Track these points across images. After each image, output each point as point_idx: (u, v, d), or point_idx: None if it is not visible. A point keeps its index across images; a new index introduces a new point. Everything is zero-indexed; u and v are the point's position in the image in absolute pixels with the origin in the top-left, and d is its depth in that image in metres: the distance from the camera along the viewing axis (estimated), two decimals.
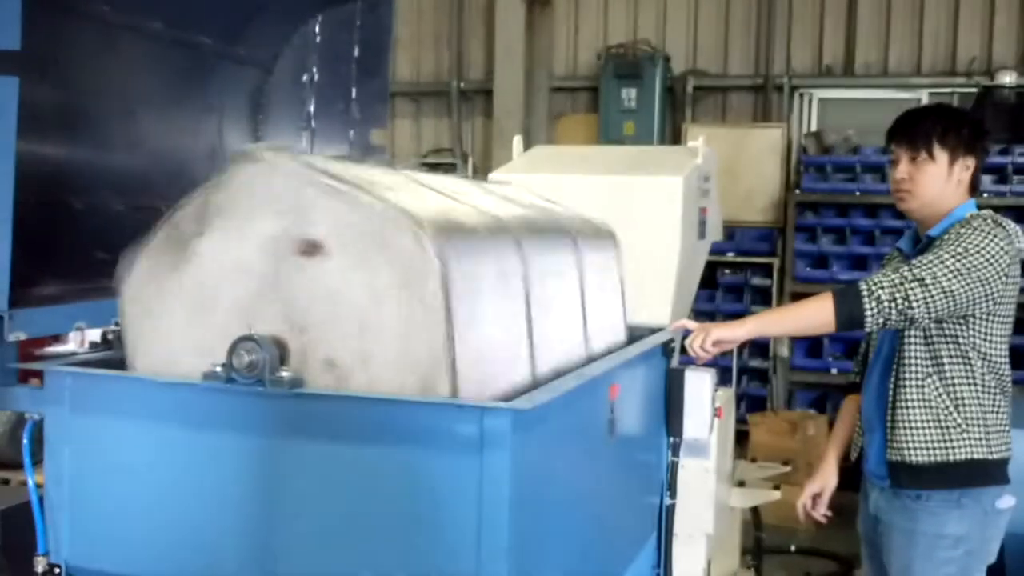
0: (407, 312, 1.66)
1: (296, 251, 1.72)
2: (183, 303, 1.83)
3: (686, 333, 2.85)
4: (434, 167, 8.93)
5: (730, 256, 7.57)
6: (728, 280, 7.65)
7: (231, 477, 1.73)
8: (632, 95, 7.79)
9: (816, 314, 2.67)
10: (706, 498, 3.67)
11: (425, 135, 9.35)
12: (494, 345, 1.85)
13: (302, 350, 1.74)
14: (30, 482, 1.88)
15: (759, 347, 7.49)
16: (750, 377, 7.61)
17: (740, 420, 7.03)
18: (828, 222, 7.35)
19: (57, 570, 1.88)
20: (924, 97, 7.78)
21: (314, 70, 3.36)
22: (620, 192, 3.75)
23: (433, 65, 9.24)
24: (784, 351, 7.44)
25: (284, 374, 1.69)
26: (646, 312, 3.24)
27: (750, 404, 7.45)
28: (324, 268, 1.72)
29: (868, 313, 2.57)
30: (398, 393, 1.65)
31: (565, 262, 2.36)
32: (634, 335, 2.75)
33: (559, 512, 1.86)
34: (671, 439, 2.83)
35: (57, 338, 2.36)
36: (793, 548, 5.68)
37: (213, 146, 3.22)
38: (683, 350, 2.86)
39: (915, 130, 2.75)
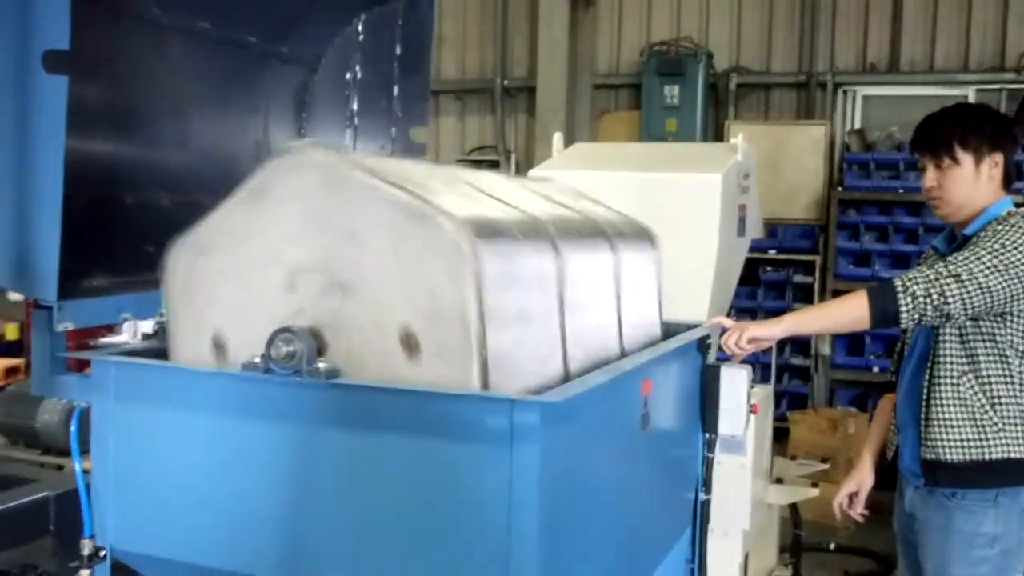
0: (442, 307, 1.70)
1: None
2: (224, 294, 1.89)
3: (723, 331, 2.86)
4: (477, 164, 8.99)
5: (772, 253, 7.53)
6: (770, 277, 7.61)
7: (268, 465, 1.78)
8: (675, 92, 7.77)
9: (851, 311, 2.66)
10: (742, 494, 3.68)
11: (469, 132, 9.41)
12: (527, 341, 1.88)
13: (343, 341, 1.78)
14: (77, 468, 1.95)
15: (800, 345, 7.44)
16: (791, 375, 7.56)
17: (781, 418, 7.01)
18: (871, 219, 7.28)
19: (103, 553, 1.95)
20: (971, 94, 7.67)
21: (357, 68, 3.41)
22: (659, 189, 3.76)
23: (478, 63, 9.29)
24: (825, 349, 7.39)
25: (321, 365, 1.74)
26: (684, 309, 3.24)
27: (791, 402, 7.41)
28: (364, 263, 1.77)
29: (903, 309, 2.56)
30: (434, 385, 1.69)
31: (601, 261, 2.38)
32: (670, 331, 2.77)
33: (591, 505, 1.89)
34: (706, 435, 2.85)
35: (111, 329, 2.44)
36: (832, 546, 5.65)
37: (259, 142, 3.29)
38: (721, 347, 2.88)
39: (935, 137, 2.73)
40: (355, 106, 3.41)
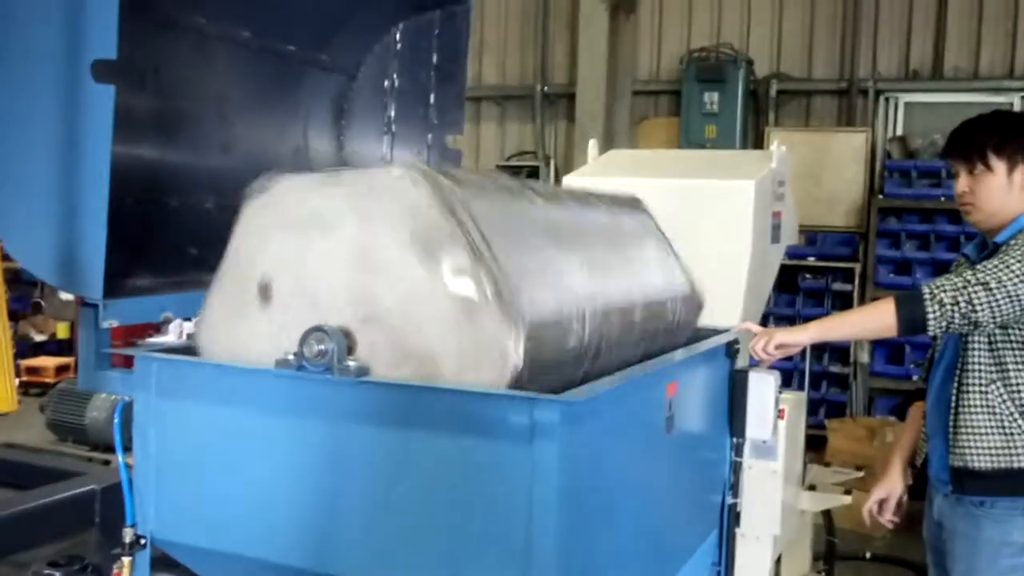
0: (464, 307, 1.76)
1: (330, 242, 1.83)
2: (253, 311, 1.96)
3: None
4: (516, 169, 9.06)
5: (811, 260, 7.51)
6: (809, 285, 7.58)
7: (299, 459, 1.85)
8: (714, 99, 7.78)
9: (878, 318, 2.68)
10: (772, 499, 3.69)
11: (509, 138, 9.48)
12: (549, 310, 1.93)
13: (371, 341, 1.85)
14: (120, 458, 2.03)
15: (839, 353, 7.41)
16: (830, 382, 7.53)
17: (819, 425, 6.98)
18: (912, 227, 7.23)
19: (143, 541, 2.04)
20: (1017, 101, 7.59)
21: (395, 76, 3.50)
22: (692, 195, 3.79)
23: (518, 69, 9.37)
24: (864, 357, 7.35)
25: (351, 363, 1.80)
26: (717, 314, 3.28)
27: (829, 410, 7.37)
28: (389, 267, 1.83)
29: (931, 316, 2.57)
30: (458, 382, 1.75)
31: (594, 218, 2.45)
32: (699, 336, 2.81)
33: (612, 503, 1.93)
34: (734, 439, 2.88)
35: (158, 328, 2.54)
36: (868, 555, 5.62)
37: (299, 147, 3.39)
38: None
39: (969, 143, 2.74)
40: (392, 113, 3.49)
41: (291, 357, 1.84)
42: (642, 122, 8.70)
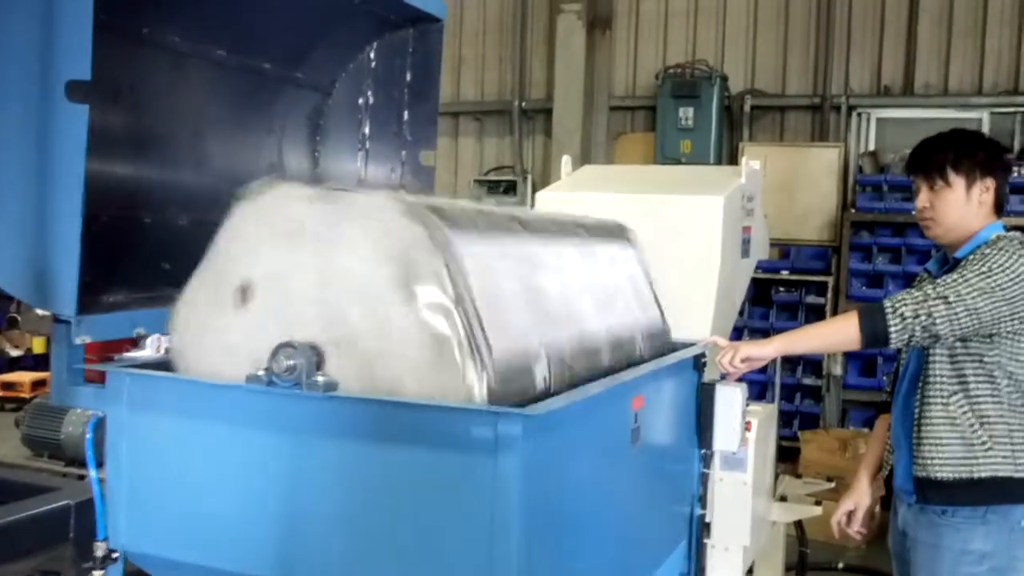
0: (434, 343, 1.80)
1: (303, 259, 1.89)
2: (228, 310, 2.00)
3: None
4: (494, 184, 9.12)
5: (785, 274, 7.59)
6: (783, 298, 7.66)
7: (270, 473, 1.88)
8: (689, 114, 7.86)
9: (841, 331, 2.74)
10: (743, 510, 3.73)
11: (487, 153, 9.54)
12: (515, 336, 1.97)
13: (339, 364, 1.88)
14: (92, 473, 2.06)
15: (813, 365, 7.49)
16: (804, 394, 7.60)
17: (792, 437, 7.05)
18: (883, 241, 7.33)
19: (115, 555, 2.06)
20: (985, 117, 7.72)
21: (369, 94, 3.54)
22: (662, 211, 3.84)
23: (496, 85, 9.43)
24: (837, 369, 7.43)
25: (319, 378, 1.84)
26: (687, 329, 3.33)
27: (803, 421, 7.45)
28: (366, 292, 1.87)
29: (892, 330, 2.64)
30: (427, 395, 1.79)
31: (574, 254, 2.50)
32: (668, 349, 2.86)
33: (576, 515, 1.97)
34: (702, 451, 2.93)
35: (135, 343, 2.57)
36: (841, 565, 5.68)
37: (274, 164, 3.41)
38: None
39: (929, 159, 2.82)
40: (367, 130, 3.53)
41: (261, 372, 1.87)
42: (619, 137, 8.78)
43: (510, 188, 9.00)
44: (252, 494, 1.91)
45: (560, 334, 2.15)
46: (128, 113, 2.80)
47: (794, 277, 7.59)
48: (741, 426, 2.92)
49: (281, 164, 3.44)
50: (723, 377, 2.95)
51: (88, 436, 2.09)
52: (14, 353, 10.51)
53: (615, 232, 2.89)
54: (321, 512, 1.85)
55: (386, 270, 1.84)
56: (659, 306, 2.93)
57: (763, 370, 7.28)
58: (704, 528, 3.82)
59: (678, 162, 7.68)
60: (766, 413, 4.02)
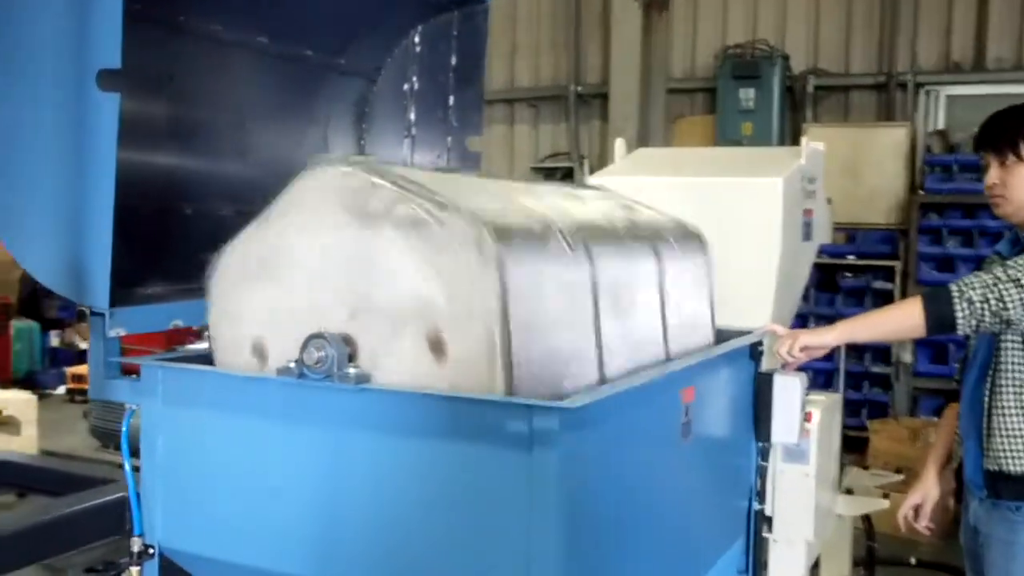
0: (465, 309, 1.73)
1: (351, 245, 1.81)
2: (263, 301, 1.95)
3: None
4: (551, 171, 9.02)
5: (851, 259, 7.37)
6: (849, 283, 7.43)
7: (302, 467, 1.83)
8: (750, 95, 7.67)
9: (905, 318, 2.60)
10: (805, 504, 3.60)
11: (543, 139, 9.45)
12: (557, 345, 1.89)
13: (371, 346, 1.82)
14: (126, 467, 2.03)
15: (881, 352, 7.26)
16: (872, 382, 7.38)
17: (860, 427, 6.84)
18: (954, 223, 7.07)
19: (151, 550, 2.03)
20: None
21: (414, 79, 3.48)
22: (719, 194, 3.71)
23: (552, 70, 9.33)
24: (907, 357, 7.19)
25: (351, 370, 1.78)
26: (745, 316, 3.21)
27: (872, 410, 7.23)
28: (390, 268, 1.80)
29: (959, 315, 2.49)
30: (460, 388, 1.71)
31: (641, 266, 2.38)
32: (723, 338, 2.75)
33: (621, 512, 1.88)
34: (760, 444, 2.82)
35: (199, 336, 2.55)
36: (913, 561, 5.48)
37: (319, 151, 3.37)
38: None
39: (999, 134, 2.65)
40: (412, 116, 3.47)
41: (292, 364, 1.82)
42: (678, 120, 8.61)
43: (567, 175, 8.89)
44: (286, 489, 1.86)
45: (601, 374, 2.05)
46: (169, 103, 2.78)
47: (861, 262, 7.36)
48: (800, 417, 2.80)
49: (327, 152, 3.40)
50: (783, 367, 2.83)
51: (123, 429, 2.06)
52: (83, 346, 10.73)
53: (688, 236, 2.75)
54: (356, 507, 1.79)
55: (429, 274, 1.76)
56: (712, 317, 2.79)
57: (828, 358, 7.09)
58: (765, 522, 3.71)
59: (739, 145, 7.49)
60: (829, 402, 3.88)
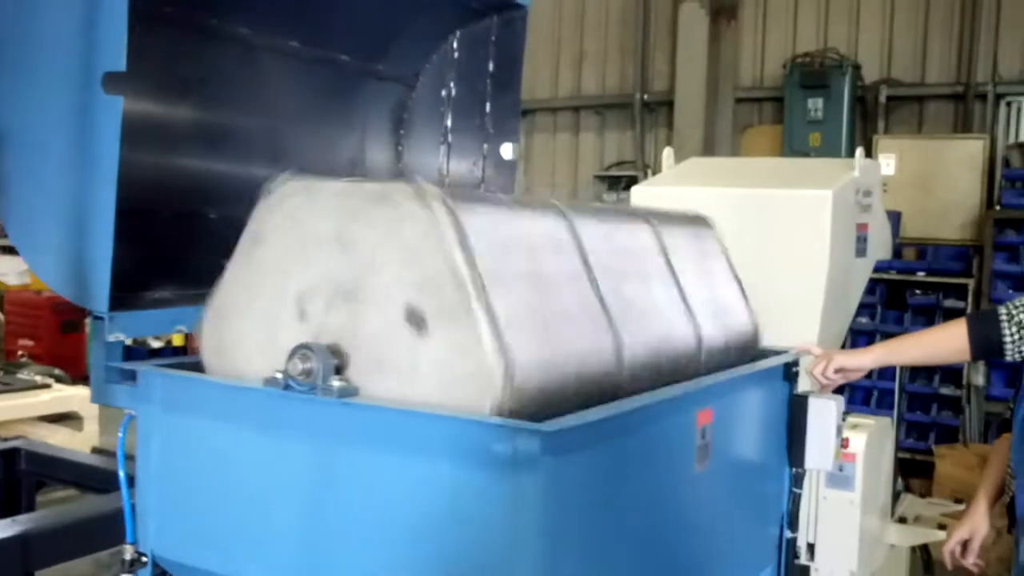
0: (434, 274, 1.67)
1: (327, 255, 1.78)
2: (255, 310, 1.91)
3: None
4: (615, 179, 8.91)
5: (921, 276, 7.08)
6: (918, 301, 7.14)
7: (287, 479, 1.78)
8: (819, 105, 7.44)
9: (949, 341, 2.45)
10: (849, 532, 3.45)
11: (608, 148, 9.33)
12: (547, 302, 1.82)
13: (360, 356, 1.76)
14: (121, 474, 2.00)
15: (952, 373, 6.95)
16: (941, 405, 7.08)
17: (927, 451, 6.58)
18: None
19: (144, 558, 2.00)
20: None
21: (452, 86, 3.42)
22: (765, 206, 3.59)
23: (618, 78, 9.21)
24: (979, 379, 6.86)
25: (335, 383, 1.72)
26: (790, 333, 3.08)
27: (940, 434, 6.93)
28: (358, 260, 1.76)
29: (1008, 339, 2.33)
30: (446, 400, 1.64)
31: (637, 235, 2.30)
32: (754, 355, 2.63)
33: (620, 541, 1.80)
34: (794, 469, 2.69)
35: None
36: None
37: (355, 160, 3.34)
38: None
39: None
40: (449, 123, 3.41)
41: (279, 375, 1.77)
42: (746, 130, 8.42)
43: (631, 183, 8.75)
44: (272, 502, 1.81)
45: (616, 336, 1.97)
46: (198, 106, 2.77)
47: (931, 279, 7.06)
48: (836, 442, 2.66)
49: (363, 159, 3.36)
50: (820, 388, 2.70)
51: (120, 436, 2.04)
52: (155, 345, 10.94)
53: (691, 219, 2.67)
54: (341, 522, 1.74)
55: (405, 273, 1.71)
56: (745, 299, 2.68)
57: (891, 376, 6.82)
58: (807, 550, 3.56)
59: (806, 156, 7.27)
60: (879, 426, 3.71)
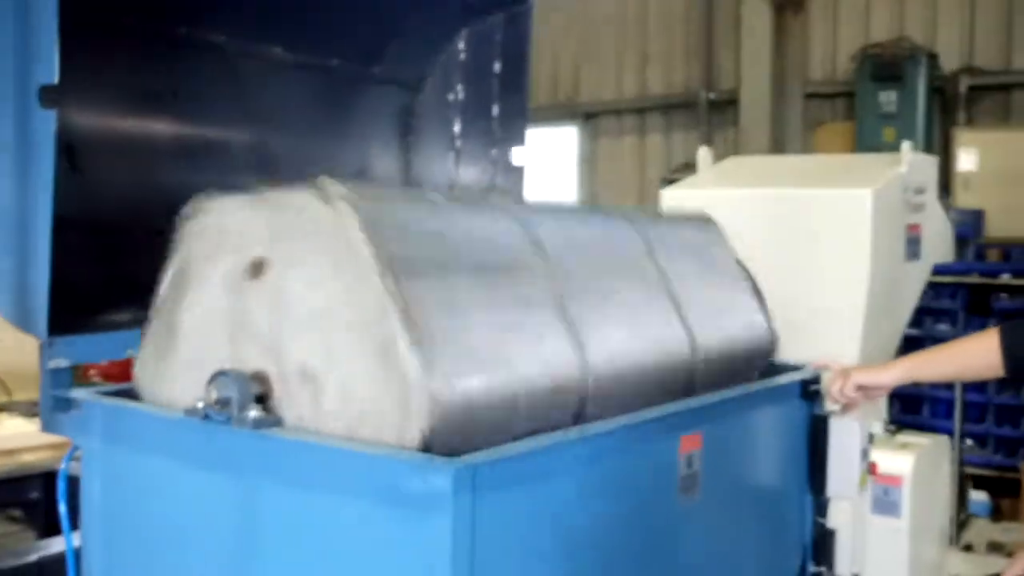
0: (364, 342, 1.51)
1: (247, 276, 1.65)
2: (179, 337, 1.79)
3: None
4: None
5: (1007, 278, 6.61)
6: (1004, 305, 6.66)
7: (212, 514, 1.66)
8: (892, 98, 7.05)
9: (978, 355, 2.18)
10: (897, 561, 3.17)
11: (675, 150, 9.06)
12: (482, 315, 1.64)
13: (282, 376, 1.63)
14: (61, 508, 1.90)
15: None
16: None
17: (1012, 468, 6.14)
18: None
19: None
20: None
21: (459, 88, 3.27)
22: (802, 207, 3.34)
23: (684, 78, 8.94)
24: None
25: (251, 414, 1.58)
26: (830, 346, 2.86)
27: None
28: (278, 286, 1.62)
29: None
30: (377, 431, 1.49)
31: (615, 234, 2.09)
32: (768, 371, 2.41)
33: None
34: (817, 497, 2.45)
35: None
36: None
37: (360, 169, 3.21)
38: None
39: None
40: (457, 128, 3.27)
41: (200, 404, 1.64)
42: (818, 127, 8.05)
43: None
44: (197, 537, 1.69)
45: (580, 351, 1.77)
46: (174, 119, 2.68)
47: (1018, 282, 6.59)
48: (861, 467, 2.41)
49: (368, 167, 3.24)
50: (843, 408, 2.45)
51: (62, 468, 1.94)
52: None
53: (691, 219, 2.46)
54: (262, 562, 1.59)
55: (321, 297, 1.56)
56: (760, 303, 2.44)
57: (982, 389, 6.38)
58: None
59: (879, 152, 6.89)
60: (932, 445, 3.41)
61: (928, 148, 7.13)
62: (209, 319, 1.73)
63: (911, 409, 6.38)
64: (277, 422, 1.60)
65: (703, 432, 1.96)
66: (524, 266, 1.78)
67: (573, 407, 1.73)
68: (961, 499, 3.94)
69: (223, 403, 1.60)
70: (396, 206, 1.67)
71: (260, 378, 1.64)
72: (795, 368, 2.44)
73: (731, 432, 2.11)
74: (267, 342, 1.64)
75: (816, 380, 2.43)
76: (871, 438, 2.46)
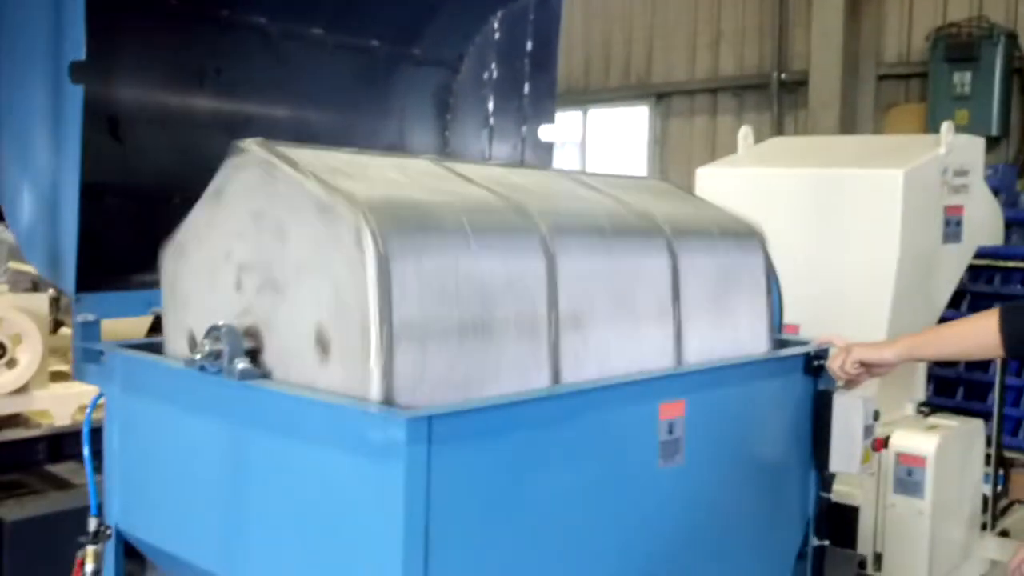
0: (345, 305, 1.60)
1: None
2: (193, 295, 1.93)
3: None
4: None
5: None
6: None
7: (207, 459, 1.79)
8: (966, 80, 6.86)
9: (978, 335, 2.19)
10: (919, 543, 3.15)
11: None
12: (480, 355, 1.70)
13: (276, 340, 1.74)
14: (85, 451, 2.07)
15: None
16: None
17: None
18: None
19: (108, 531, 2.06)
20: None
21: (493, 67, 3.36)
22: (834, 187, 3.33)
23: (757, 58, 8.83)
24: None
25: (239, 365, 1.71)
26: (856, 326, 2.86)
27: None
28: (288, 258, 1.72)
29: None
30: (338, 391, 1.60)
31: (642, 263, 2.11)
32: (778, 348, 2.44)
33: (535, 552, 1.68)
34: (820, 472, 2.48)
35: None
36: None
37: (395, 146, 3.33)
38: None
39: None
40: (490, 106, 3.35)
41: (198, 356, 1.78)
42: (891, 109, 7.87)
43: None
44: (198, 482, 1.83)
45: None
46: (215, 95, 2.84)
47: None
48: (864, 443, 2.43)
49: (404, 145, 3.35)
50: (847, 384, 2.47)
51: (88, 412, 2.11)
52: None
53: (734, 232, 2.42)
54: (250, 502, 1.73)
55: (323, 290, 1.65)
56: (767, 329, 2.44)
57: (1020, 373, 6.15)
58: (875, 561, 3.30)
59: None
60: (961, 428, 3.37)
61: (1005, 131, 6.94)
62: (229, 259, 1.83)
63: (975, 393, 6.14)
64: (264, 375, 1.72)
65: (687, 400, 2.01)
66: (529, 311, 1.79)
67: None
68: (1004, 484, 3.87)
69: (215, 355, 1.73)
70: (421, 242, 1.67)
71: (254, 333, 1.77)
72: (799, 343, 2.47)
73: (724, 403, 2.15)
74: (268, 304, 1.75)
75: (821, 355, 2.45)
76: (876, 415, 2.46)
